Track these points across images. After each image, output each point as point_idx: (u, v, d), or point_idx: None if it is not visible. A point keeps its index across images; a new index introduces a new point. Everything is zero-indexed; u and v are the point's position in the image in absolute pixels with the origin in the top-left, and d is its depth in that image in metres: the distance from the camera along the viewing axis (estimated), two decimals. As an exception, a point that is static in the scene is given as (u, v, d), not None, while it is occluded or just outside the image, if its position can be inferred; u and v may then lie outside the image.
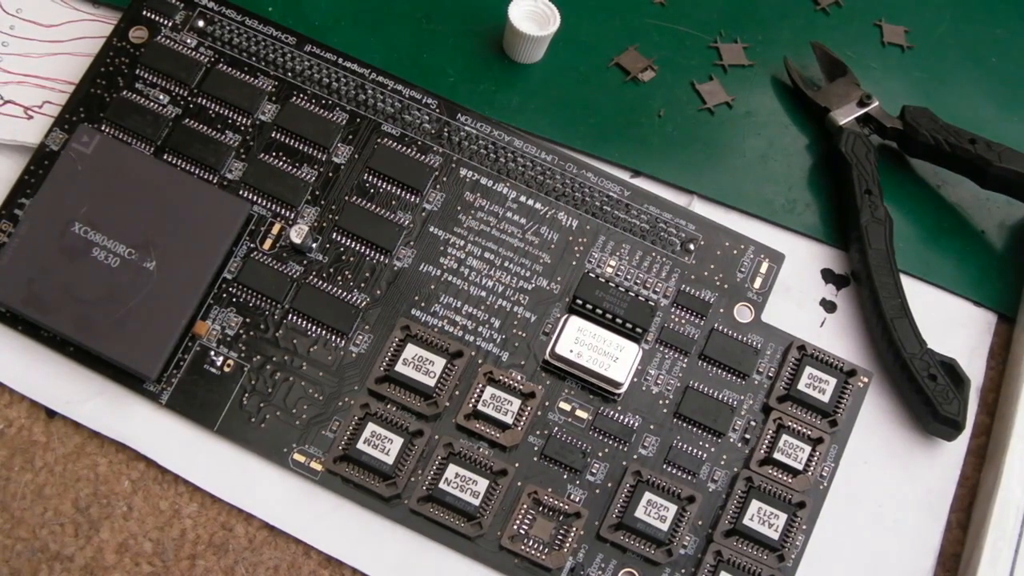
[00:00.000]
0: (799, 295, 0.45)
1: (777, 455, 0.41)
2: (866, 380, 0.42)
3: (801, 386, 0.42)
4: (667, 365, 0.42)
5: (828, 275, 0.46)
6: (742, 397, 0.42)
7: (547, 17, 0.46)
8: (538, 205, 0.44)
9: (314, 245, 0.43)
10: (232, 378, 0.42)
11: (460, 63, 0.48)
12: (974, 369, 0.44)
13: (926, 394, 0.42)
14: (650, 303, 0.42)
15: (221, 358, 0.42)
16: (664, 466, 0.41)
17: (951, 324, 0.45)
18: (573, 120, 0.47)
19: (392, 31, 0.48)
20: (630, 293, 0.43)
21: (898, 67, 0.49)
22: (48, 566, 0.40)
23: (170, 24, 0.46)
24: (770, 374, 0.42)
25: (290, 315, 0.42)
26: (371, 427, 0.40)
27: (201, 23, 0.46)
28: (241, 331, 0.42)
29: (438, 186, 0.44)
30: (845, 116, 0.46)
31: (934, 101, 0.48)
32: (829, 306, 0.45)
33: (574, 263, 0.44)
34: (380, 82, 0.45)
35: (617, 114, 0.47)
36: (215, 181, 0.44)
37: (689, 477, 0.41)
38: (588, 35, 0.48)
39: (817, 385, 0.42)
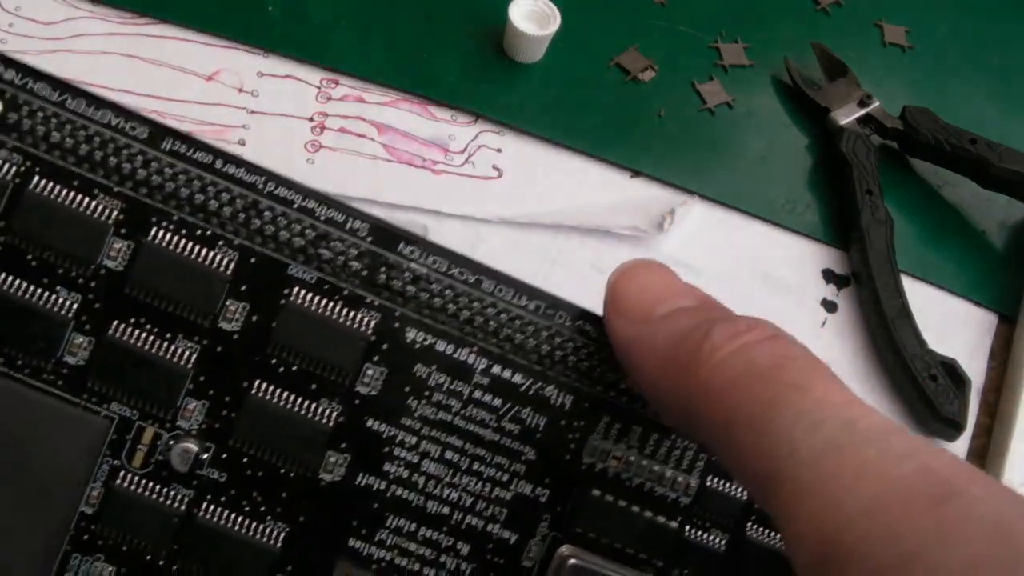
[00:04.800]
0: (799, 295, 0.45)
1: (777, 455, 0.41)
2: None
3: (801, 386, 0.42)
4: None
5: (828, 275, 0.46)
6: (742, 398, 0.42)
7: (547, 17, 0.46)
8: (517, 378, 0.29)
9: (205, 457, 0.28)
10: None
11: (460, 63, 0.48)
12: (975, 369, 0.44)
13: (927, 394, 0.42)
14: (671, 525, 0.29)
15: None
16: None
17: (952, 324, 0.45)
18: (573, 120, 0.47)
19: (392, 31, 0.48)
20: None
21: (898, 67, 0.49)
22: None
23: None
24: (770, 374, 0.42)
25: (177, 563, 0.27)
26: None
27: None
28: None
29: (375, 358, 0.28)
30: (845, 116, 0.46)
31: (934, 101, 0.48)
32: (830, 306, 0.45)
33: (568, 458, 0.29)
34: (279, 196, 0.27)
35: (617, 114, 0.47)
36: (49, 376, 0.26)
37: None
38: (588, 35, 0.48)
39: (817, 385, 0.42)
